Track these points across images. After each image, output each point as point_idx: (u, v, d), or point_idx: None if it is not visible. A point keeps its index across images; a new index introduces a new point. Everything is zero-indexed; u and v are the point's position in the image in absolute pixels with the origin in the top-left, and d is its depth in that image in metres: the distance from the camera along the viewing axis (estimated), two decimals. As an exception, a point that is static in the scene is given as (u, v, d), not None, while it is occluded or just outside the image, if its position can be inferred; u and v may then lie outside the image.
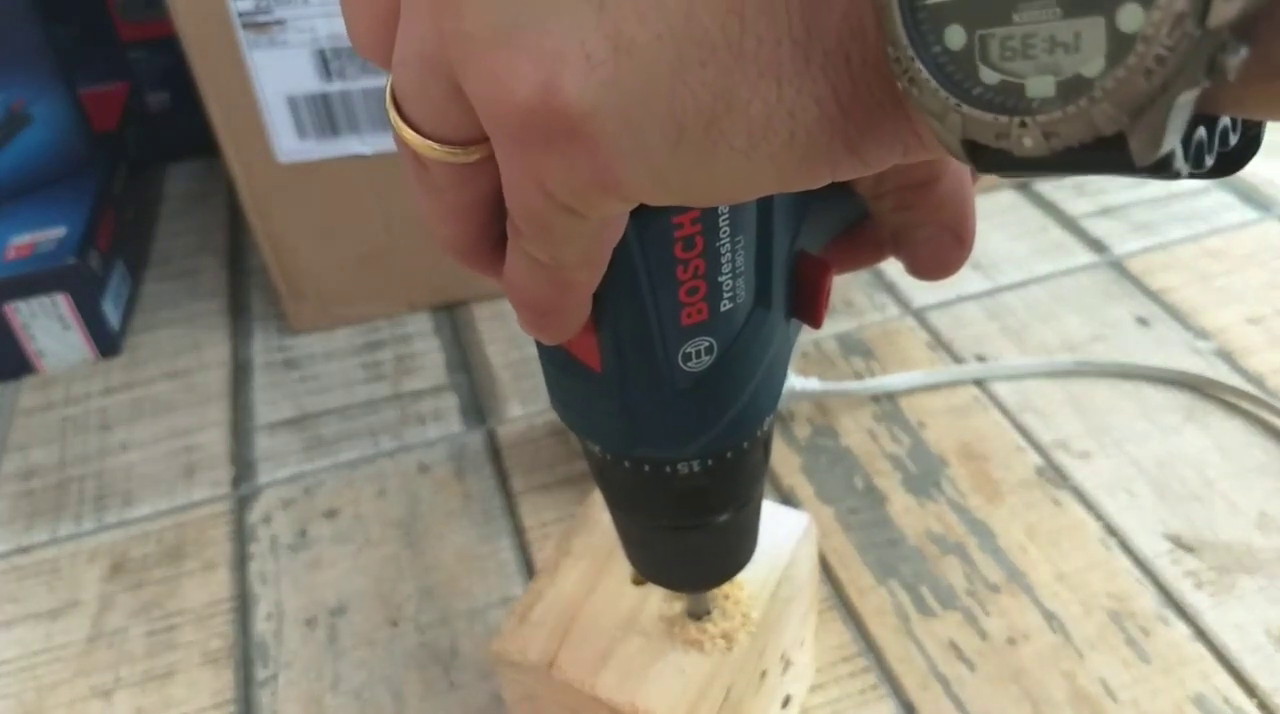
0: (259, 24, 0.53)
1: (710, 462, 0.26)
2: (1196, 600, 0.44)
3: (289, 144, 0.57)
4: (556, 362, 0.25)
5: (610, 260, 0.20)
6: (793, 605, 0.35)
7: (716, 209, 0.22)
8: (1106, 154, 0.13)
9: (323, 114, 0.57)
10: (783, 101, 0.15)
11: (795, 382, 0.54)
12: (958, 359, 0.58)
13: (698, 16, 0.15)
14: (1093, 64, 0.13)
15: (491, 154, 0.18)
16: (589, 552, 0.36)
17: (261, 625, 0.47)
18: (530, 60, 0.16)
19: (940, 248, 0.24)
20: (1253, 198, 0.69)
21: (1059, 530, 0.48)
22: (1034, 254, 0.66)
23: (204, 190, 0.80)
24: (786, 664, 0.37)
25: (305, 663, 0.45)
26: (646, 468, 0.27)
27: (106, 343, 0.64)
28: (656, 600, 0.34)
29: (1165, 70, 0.12)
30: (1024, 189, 0.73)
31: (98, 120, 0.72)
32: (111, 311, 0.64)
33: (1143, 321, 0.60)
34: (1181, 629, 0.43)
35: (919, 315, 0.62)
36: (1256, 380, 0.55)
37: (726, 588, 0.33)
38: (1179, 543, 0.47)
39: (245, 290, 0.70)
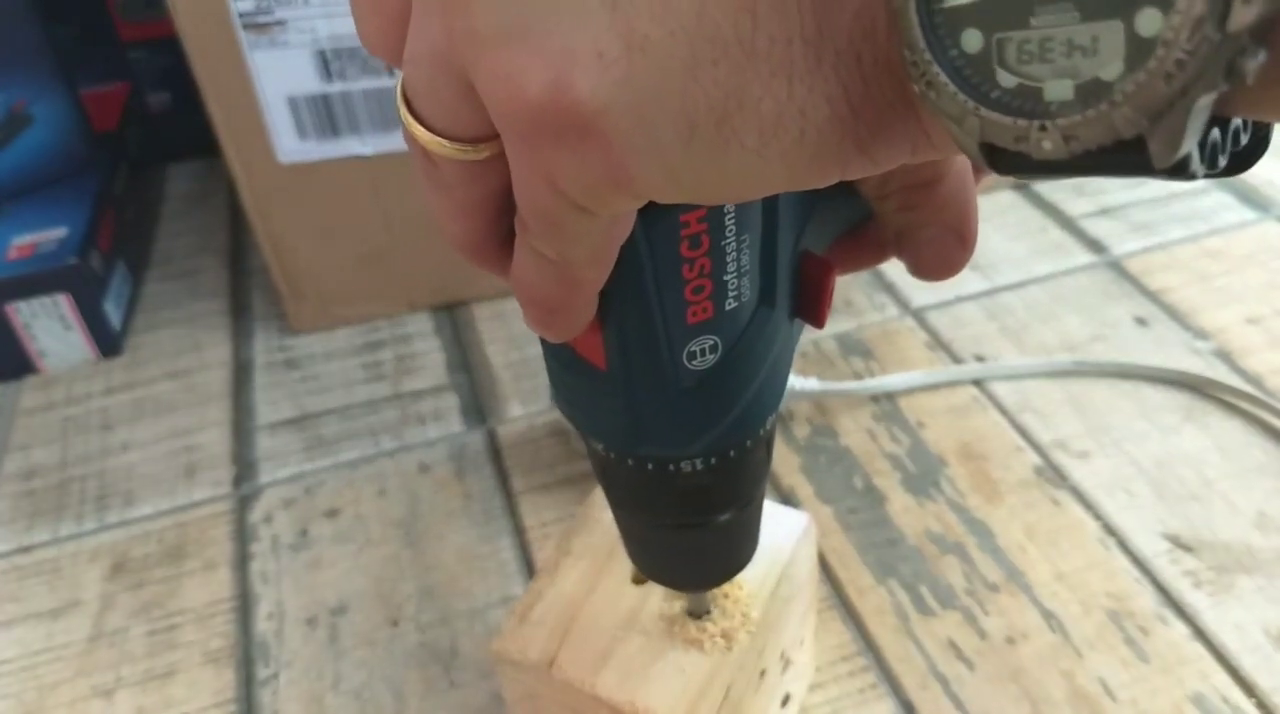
0: (259, 24, 0.53)
1: (714, 460, 0.27)
2: (1195, 600, 0.44)
3: (289, 144, 0.57)
4: (561, 359, 0.25)
5: (617, 258, 0.21)
6: (792, 605, 0.35)
7: (723, 208, 0.22)
8: (1125, 157, 0.13)
9: (323, 114, 0.57)
10: (794, 100, 0.15)
11: (795, 381, 0.54)
12: (957, 359, 0.58)
13: (710, 14, 0.15)
14: (1111, 67, 0.13)
15: (501, 151, 0.18)
16: (589, 551, 0.36)
17: (262, 625, 0.47)
18: (541, 58, 0.16)
19: (944, 248, 0.24)
20: (1252, 198, 0.69)
21: (1058, 530, 0.48)
22: (1033, 254, 0.66)
23: (205, 191, 0.80)
24: (786, 663, 0.37)
25: (306, 662, 0.45)
26: (650, 466, 0.27)
27: (108, 343, 0.64)
28: (656, 600, 0.34)
29: (1185, 74, 0.12)
30: (1023, 189, 0.73)
31: (98, 120, 0.72)
32: (112, 312, 0.64)
33: (1142, 322, 0.60)
34: (1180, 629, 0.43)
35: (918, 315, 0.62)
36: (1255, 380, 0.55)
37: (726, 587, 0.33)
38: (1178, 543, 0.47)
39: (246, 290, 0.70)
